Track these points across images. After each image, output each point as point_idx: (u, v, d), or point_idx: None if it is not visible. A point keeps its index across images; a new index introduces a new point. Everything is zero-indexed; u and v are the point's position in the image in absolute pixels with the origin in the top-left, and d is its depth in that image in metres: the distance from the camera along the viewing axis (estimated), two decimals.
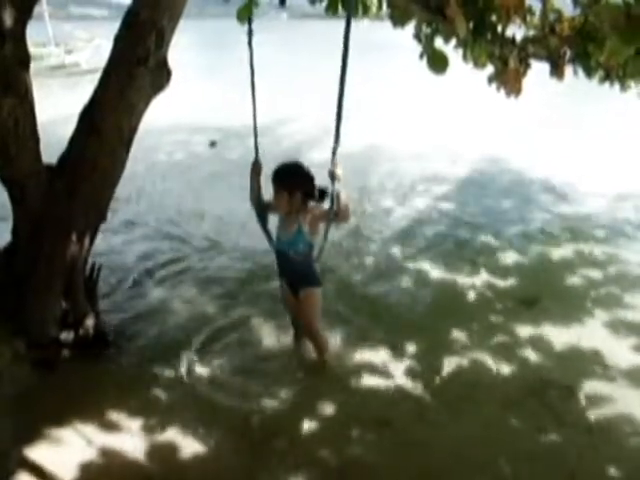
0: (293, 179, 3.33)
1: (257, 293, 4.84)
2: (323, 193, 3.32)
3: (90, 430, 3.20)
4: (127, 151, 3.75)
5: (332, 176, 3.08)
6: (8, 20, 2.93)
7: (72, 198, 3.58)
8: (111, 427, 3.24)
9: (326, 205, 3.28)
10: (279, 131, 12.29)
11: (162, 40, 3.47)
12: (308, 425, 3.30)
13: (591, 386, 3.68)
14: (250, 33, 3.43)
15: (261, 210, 3.56)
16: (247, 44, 3.40)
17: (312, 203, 3.38)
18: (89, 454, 3.04)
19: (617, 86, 4.18)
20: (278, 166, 3.35)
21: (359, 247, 5.93)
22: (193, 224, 6.60)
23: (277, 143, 11.27)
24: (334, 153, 3.08)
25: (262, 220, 3.59)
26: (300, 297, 3.57)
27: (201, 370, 3.79)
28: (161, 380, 3.69)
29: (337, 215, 3.19)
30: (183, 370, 3.78)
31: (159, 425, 3.25)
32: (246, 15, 4.88)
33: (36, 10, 3.39)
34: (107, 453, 3.05)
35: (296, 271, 3.50)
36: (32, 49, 3.28)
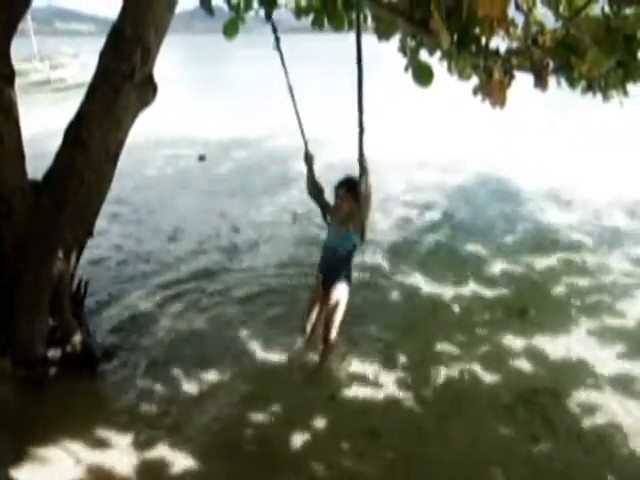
0: (356, 190, 3.70)
1: (246, 308, 4.82)
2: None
3: (78, 448, 3.16)
4: (114, 166, 3.73)
5: (363, 165, 3.59)
6: None
7: (58, 213, 3.55)
8: (99, 444, 3.19)
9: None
10: (268, 144, 12.34)
11: (148, 56, 3.48)
12: (300, 438, 3.28)
13: (580, 394, 3.70)
14: (277, 39, 3.87)
15: (318, 194, 3.92)
16: (276, 49, 3.85)
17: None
18: (77, 473, 2.99)
19: (599, 96, 4.24)
20: (346, 178, 3.80)
21: None
22: (181, 239, 6.57)
23: (265, 155, 11.32)
24: (361, 147, 3.63)
25: (321, 203, 3.94)
26: (332, 290, 3.75)
27: (190, 385, 3.76)
28: (150, 396, 3.65)
29: (365, 198, 3.59)
30: (172, 386, 3.74)
31: (148, 441, 3.22)
32: (233, 30, 4.92)
33: (21, 26, 3.38)
34: (95, 471, 3.01)
35: (337, 266, 3.75)
36: (17, 65, 3.26)
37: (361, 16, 4.75)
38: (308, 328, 3.92)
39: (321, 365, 3.95)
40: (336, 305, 3.78)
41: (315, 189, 3.92)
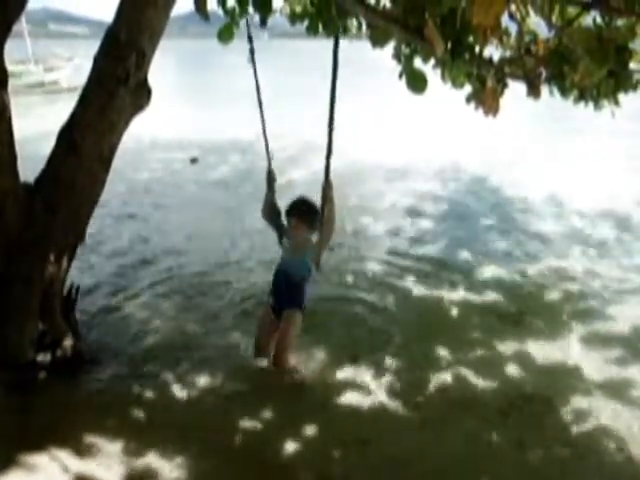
0: (313, 216, 3.62)
1: (238, 313, 4.81)
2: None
3: (66, 455, 3.11)
4: (107, 170, 3.72)
5: (326, 193, 3.46)
6: None
7: (50, 217, 3.53)
8: (88, 451, 3.15)
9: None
10: (261, 149, 12.33)
11: (142, 60, 3.48)
12: (290, 445, 3.26)
13: (572, 400, 3.71)
14: (252, 51, 3.81)
15: (276, 217, 3.83)
16: (250, 62, 3.77)
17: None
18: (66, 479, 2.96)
19: (591, 105, 4.28)
20: (299, 201, 3.70)
21: (340, 264, 5.93)
22: (178, 243, 6.55)
23: (260, 160, 11.30)
24: (327, 172, 3.49)
25: (277, 225, 3.84)
26: (283, 316, 3.67)
27: (181, 391, 3.73)
28: (140, 401, 3.62)
29: (325, 230, 3.54)
30: (162, 391, 3.72)
31: (138, 448, 3.18)
32: (227, 35, 4.92)
33: (15, 28, 3.37)
34: (84, 478, 2.97)
35: (289, 292, 3.66)
36: (11, 67, 3.26)
37: (354, 24, 4.80)
38: (259, 354, 3.86)
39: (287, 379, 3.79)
40: (286, 332, 3.66)
41: (273, 211, 3.84)
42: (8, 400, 3.56)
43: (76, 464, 3.05)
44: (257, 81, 3.78)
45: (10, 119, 3.26)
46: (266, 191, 3.85)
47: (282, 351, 3.69)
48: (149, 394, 3.69)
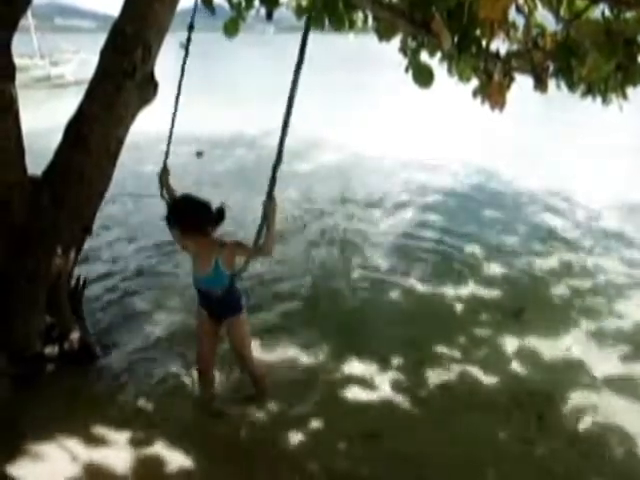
0: (198, 217, 3.00)
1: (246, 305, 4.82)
2: (222, 212, 3.08)
3: (75, 445, 3.15)
4: (113, 163, 3.73)
5: (266, 211, 2.80)
6: None
7: (57, 210, 3.55)
8: (96, 441, 3.18)
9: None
10: (264, 142, 12.34)
11: (149, 53, 3.48)
12: (296, 439, 3.28)
13: (577, 396, 3.71)
14: (189, 39, 3.47)
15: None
16: (183, 48, 3.43)
17: (215, 235, 3.12)
18: (74, 469, 2.99)
19: (599, 99, 4.26)
20: (174, 207, 3.07)
21: (345, 259, 5.94)
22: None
23: (262, 154, 11.32)
24: (272, 185, 2.83)
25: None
26: (227, 329, 3.30)
27: (188, 383, 3.75)
28: (147, 392, 3.65)
29: (262, 250, 2.88)
30: (170, 383, 3.74)
31: (145, 438, 3.21)
32: (233, 29, 4.92)
33: (22, 22, 3.38)
34: (92, 468, 3.00)
35: (218, 304, 3.19)
36: (17, 61, 3.26)
37: (360, 18, 4.78)
38: (202, 367, 3.49)
39: (259, 387, 3.57)
40: (239, 344, 3.32)
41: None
42: (17, 392, 3.59)
43: (84, 453, 3.09)
44: (183, 70, 3.40)
45: (18, 112, 3.28)
46: (161, 191, 3.41)
47: (248, 364, 3.41)
48: (156, 385, 3.71)
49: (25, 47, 22.92)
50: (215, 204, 3.12)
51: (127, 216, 7.27)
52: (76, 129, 3.53)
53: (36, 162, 3.66)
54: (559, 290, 5.29)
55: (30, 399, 3.55)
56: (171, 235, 3.07)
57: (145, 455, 3.11)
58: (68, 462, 3.03)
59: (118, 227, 6.80)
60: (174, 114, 3.55)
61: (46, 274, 3.62)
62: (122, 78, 3.43)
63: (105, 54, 3.48)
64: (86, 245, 4.07)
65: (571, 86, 4.02)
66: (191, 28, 3.48)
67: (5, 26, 3.02)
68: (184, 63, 3.41)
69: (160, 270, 5.56)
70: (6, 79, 3.13)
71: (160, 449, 3.14)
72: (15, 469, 2.98)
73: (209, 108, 16.26)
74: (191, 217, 2.99)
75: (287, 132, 2.66)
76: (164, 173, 3.49)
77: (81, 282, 4.11)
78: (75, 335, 3.84)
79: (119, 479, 2.95)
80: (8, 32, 3.07)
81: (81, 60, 25.56)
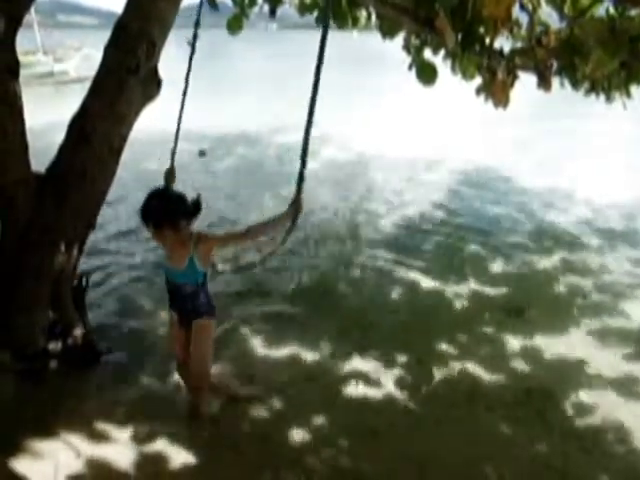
0: (171, 212, 2.92)
1: (248, 305, 4.83)
2: (198, 205, 3.02)
3: (78, 441, 3.15)
4: (117, 160, 3.74)
5: (296, 206, 2.90)
6: None
7: (61, 207, 3.55)
8: (99, 438, 3.19)
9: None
10: (271, 140, 12.36)
11: (153, 50, 3.48)
12: (299, 436, 3.28)
13: (579, 394, 3.71)
14: (195, 36, 3.50)
15: None
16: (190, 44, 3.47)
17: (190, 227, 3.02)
18: (77, 465, 2.99)
19: (602, 97, 4.25)
20: (146, 202, 2.93)
21: (349, 256, 5.95)
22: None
23: (264, 152, 11.34)
24: (300, 181, 2.91)
25: None
26: (192, 329, 3.13)
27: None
28: (150, 389, 3.66)
29: (246, 235, 3.05)
30: (172, 380, 3.75)
31: (149, 435, 3.21)
32: (236, 26, 4.93)
33: (25, 18, 3.38)
34: (95, 465, 3.01)
35: (187, 302, 3.09)
36: (20, 57, 3.26)
37: (364, 15, 4.77)
38: (182, 373, 3.34)
39: (195, 412, 3.34)
40: (197, 347, 3.12)
41: None
42: (20, 388, 3.60)
43: (87, 449, 3.09)
44: (190, 66, 3.49)
45: (22, 109, 3.28)
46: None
47: (197, 369, 3.16)
48: (159, 382, 3.72)
49: (28, 43, 22.97)
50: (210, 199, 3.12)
51: (129, 212, 7.27)
52: (79, 126, 3.53)
53: (40, 159, 3.67)
54: (562, 288, 5.29)
55: (34, 395, 3.56)
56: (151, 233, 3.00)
57: (147, 451, 3.11)
58: (71, 458, 3.04)
59: (119, 222, 6.80)
60: (181, 112, 3.56)
61: (49, 270, 3.63)
62: (126, 75, 3.43)
63: (109, 51, 3.48)
64: (88, 241, 4.07)
65: (575, 84, 4.03)
66: (197, 24, 3.50)
67: (9, 22, 3.01)
68: (191, 60, 3.42)
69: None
70: (10, 76, 3.13)
71: (163, 446, 3.14)
72: (18, 464, 3.00)
73: (212, 106, 16.26)
74: (162, 212, 2.91)
75: (310, 132, 2.90)
76: (170, 173, 3.53)
77: (84, 278, 4.12)
78: (78, 331, 3.85)
79: (122, 476, 2.95)
80: (12, 28, 3.07)
81: (84, 56, 25.59)
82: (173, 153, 3.58)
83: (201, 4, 3.56)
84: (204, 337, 3.13)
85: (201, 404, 3.33)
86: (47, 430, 3.20)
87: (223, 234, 3.07)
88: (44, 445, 3.12)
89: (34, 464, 3.00)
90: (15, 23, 3.10)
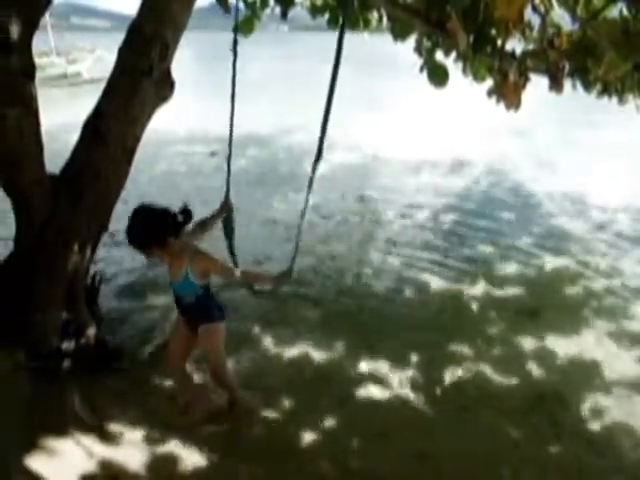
0: (144, 235, 2.87)
1: (257, 306, 4.85)
2: (187, 213, 2.96)
3: (90, 441, 3.17)
4: (130, 161, 3.78)
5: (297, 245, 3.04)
6: (15, 32, 2.96)
7: (75, 207, 3.59)
8: (111, 438, 3.21)
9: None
10: (281, 141, 12.40)
11: (166, 52, 3.52)
12: (310, 437, 3.28)
13: (591, 397, 3.69)
14: (235, 41, 3.37)
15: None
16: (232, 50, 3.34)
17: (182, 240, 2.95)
18: (89, 465, 3.01)
19: (614, 99, 4.23)
20: (129, 225, 2.85)
21: (360, 258, 5.95)
22: None
23: (275, 153, 11.38)
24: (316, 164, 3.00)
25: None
26: (200, 332, 3.14)
27: (201, 380, 3.78)
28: (162, 389, 3.68)
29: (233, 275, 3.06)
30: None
31: (160, 435, 3.22)
32: (248, 28, 4.95)
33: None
34: (107, 465, 3.03)
35: (191, 310, 3.13)
36: (35, 59, 3.31)
37: (375, 17, 4.79)
38: (171, 364, 3.37)
39: (231, 396, 3.35)
40: (210, 351, 3.16)
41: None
42: (34, 387, 3.64)
43: (99, 449, 3.12)
44: (234, 72, 3.33)
45: (37, 110, 3.32)
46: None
47: (215, 369, 3.19)
48: (170, 382, 3.74)
49: (42, 45, 23.20)
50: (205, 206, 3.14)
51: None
52: (94, 126, 3.57)
53: (54, 160, 3.71)
54: (573, 291, 5.26)
55: (48, 395, 3.59)
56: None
57: (159, 452, 3.12)
58: (83, 457, 3.06)
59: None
60: (231, 118, 3.41)
61: (64, 270, 3.67)
62: (139, 76, 3.47)
63: (123, 52, 3.52)
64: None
65: (587, 86, 4.01)
66: (236, 30, 3.39)
67: (26, 25, 3.06)
68: (234, 65, 3.31)
69: None
70: (26, 78, 3.17)
71: (175, 447, 3.15)
72: (31, 463, 3.02)
73: (223, 107, 16.34)
74: (145, 235, 2.86)
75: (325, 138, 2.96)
76: (225, 210, 3.40)
77: (97, 278, 4.16)
78: (91, 331, 3.88)
79: (133, 477, 2.98)
80: (29, 32, 3.11)
81: (97, 58, 25.81)
82: (227, 182, 3.41)
83: (237, 9, 3.56)
84: (212, 340, 3.13)
85: (236, 399, 3.35)
86: (59, 429, 3.22)
87: (220, 263, 3.02)
88: (56, 444, 3.13)
89: (47, 463, 3.02)
90: (31, 27, 3.14)
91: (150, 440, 3.21)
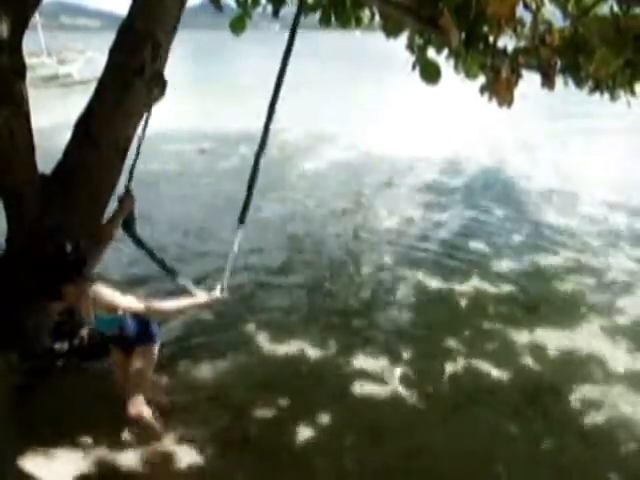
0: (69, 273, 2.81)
1: (256, 302, 4.85)
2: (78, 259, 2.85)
3: (85, 440, 3.17)
4: (122, 160, 3.75)
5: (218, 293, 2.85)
6: (4, 31, 2.94)
7: (67, 207, 3.57)
8: (106, 437, 3.20)
9: None
10: (271, 139, 12.33)
11: (158, 51, 3.49)
12: (305, 433, 3.30)
13: (586, 391, 3.72)
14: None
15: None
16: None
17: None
18: (84, 465, 3.02)
19: (606, 96, 4.24)
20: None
21: (355, 256, 5.96)
22: (185, 234, 6.59)
23: (269, 151, 11.34)
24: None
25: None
26: (135, 354, 3.06)
27: (198, 378, 3.78)
28: (158, 388, 3.66)
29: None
30: (180, 378, 3.77)
31: (156, 434, 3.22)
32: (239, 26, 4.93)
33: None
34: (102, 464, 3.03)
35: (120, 339, 3.05)
36: (26, 60, 3.28)
37: (367, 15, 4.77)
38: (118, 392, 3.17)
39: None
40: (136, 373, 3.02)
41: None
42: (28, 387, 3.62)
43: (94, 449, 3.11)
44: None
45: (28, 110, 3.29)
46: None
47: (132, 394, 2.99)
48: (167, 382, 3.73)
49: (32, 45, 23.05)
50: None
51: None
52: (85, 127, 3.55)
53: (45, 160, 3.68)
54: (569, 286, 5.29)
55: (41, 395, 3.58)
56: None
57: (156, 452, 3.12)
58: (79, 458, 3.06)
59: None
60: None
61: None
62: (131, 76, 3.44)
63: (114, 52, 3.49)
64: None
65: (579, 83, 4.02)
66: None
67: (16, 24, 3.03)
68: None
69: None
70: (17, 78, 3.15)
71: (171, 444, 3.16)
72: (26, 463, 3.01)
73: (215, 105, 16.30)
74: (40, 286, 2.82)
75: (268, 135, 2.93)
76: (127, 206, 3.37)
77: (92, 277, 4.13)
78: (84, 331, 3.86)
79: (129, 476, 2.97)
80: (19, 31, 3.08)
81: (87, 59, 25.67)
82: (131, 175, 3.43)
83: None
84: (141, 364, 3.02)
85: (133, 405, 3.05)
86: (54, 429, 3.22)
87: (125, 303, 2.84)
88: (52, 444, 3.13)
89: (42, 464, 3.02)
90: (21, 25, 3.11)
91: (146, 439, 3.18)
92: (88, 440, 3.17)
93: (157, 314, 3.02)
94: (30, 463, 3.02)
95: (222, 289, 2.87)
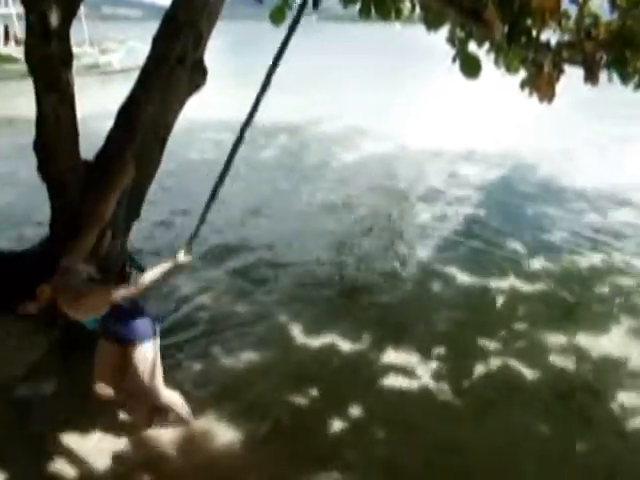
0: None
1: (280, 289, 4.89)
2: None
3: (126, 418, 3.25)
4: (162, 148, 3.82)
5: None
6: (55, 20, 3.02)
7: (108, 194, 3.65)
8: (121, 429, 3.22)
9: None
10: (310, 131, 12.41)
11: (200, 40, 3.55)
12: (335, 424, 3.31)
13: (622, 392, 3.64)
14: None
15: None
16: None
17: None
18: (123, 443, 3.10)
19: None
20: None
21: (388, 252, 5.95)
22: (219, 224, 6.66)
23: (304, 142, 11.41)
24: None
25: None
26: (133, 355, 2.87)
27: (229, 367, 3.83)
28: (189, 375, 3.74)
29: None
30: (211, 366, 3.82)
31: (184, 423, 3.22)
32: (279, 17, 4.95)
33: None
34: (140, 443, 3.10)
35: (106, 332, 2.90)
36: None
37: (407, 7, 4.73)
38: (99, 391, 3.03)
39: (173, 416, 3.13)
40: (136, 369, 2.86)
41: None
42: (70, 364, 3.72)
43: (134, 427, 3.19)
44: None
45: (73, 98, 3.38)
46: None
47: (150, 400, 2.97)
48: (198, 368, 3.80)
49: (76, 35, 23.56)
50: None
51: (171, 200, 7.41)
52: (128, 114, 3.62)
53: (87, 147, 3.77)
54: (605, 287, 5.18)
55: (82, 374, 3.65)
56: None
57: (181, 437, 3.16)
58: (118, 434, 3.15)
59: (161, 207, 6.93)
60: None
61: (96, 256, 3.74)
62: (173, 64, 3.50)
63: (157, 41, 3.55)
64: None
65: (624, 78, 3.91)
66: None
67: (65, 13, 3.11)
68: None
69: (206, 258, 5.63)
70: (65, 66, 3.24)
71: (203, 434, 3.19)
72: (66, 438, 3.12)
73: (253, 96, 16.36)
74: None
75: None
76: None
77: (128, 264, 4.23)
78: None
79: (164, 456, 3.04)
80: (68, 20, 3.17)
81: (128, 49, 26.17)
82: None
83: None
84: (140, 360, 2.87)
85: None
86: (94, 405, 3.26)
87: (101, 295, 2.68)
88: (92, 420, 3.22)
89: (81, 439, 3.12)
90: (70, 16, 3.20)
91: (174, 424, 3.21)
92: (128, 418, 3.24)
93: (144, 290, 2.73)
94: (68, 438, 3.12)
95: (185, 253, 2.78)
